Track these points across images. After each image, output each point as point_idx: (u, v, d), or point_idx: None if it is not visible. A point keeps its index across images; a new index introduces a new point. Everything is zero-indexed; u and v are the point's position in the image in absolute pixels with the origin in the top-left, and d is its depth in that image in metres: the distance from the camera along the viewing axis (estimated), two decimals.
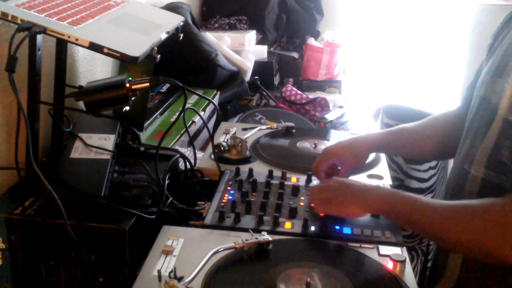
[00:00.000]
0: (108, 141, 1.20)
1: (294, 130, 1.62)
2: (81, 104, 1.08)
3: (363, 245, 1.03)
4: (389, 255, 0.98)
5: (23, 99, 1.00)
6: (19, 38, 0.96)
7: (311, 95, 2.29)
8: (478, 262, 1.08)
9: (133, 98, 1.07)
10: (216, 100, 1.85)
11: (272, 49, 2.66)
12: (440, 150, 1.33)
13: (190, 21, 1.98)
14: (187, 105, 1.48)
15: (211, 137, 1.44)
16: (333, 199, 1.10)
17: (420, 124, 1.34)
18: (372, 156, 1.44)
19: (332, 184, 1.13)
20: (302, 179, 1.30)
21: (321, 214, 1.12)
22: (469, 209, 0.97)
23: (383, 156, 1.48)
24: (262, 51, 2.45)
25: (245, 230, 1.05)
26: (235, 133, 1.57)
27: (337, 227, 1.09)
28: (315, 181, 1.29)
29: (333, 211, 1.10)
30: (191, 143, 1.44)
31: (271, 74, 2.42)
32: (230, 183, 1.27)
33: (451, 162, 2.52)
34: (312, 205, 1.14)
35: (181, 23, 1.35)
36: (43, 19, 1.03)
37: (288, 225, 1.10)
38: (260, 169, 1.34)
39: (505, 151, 1.00)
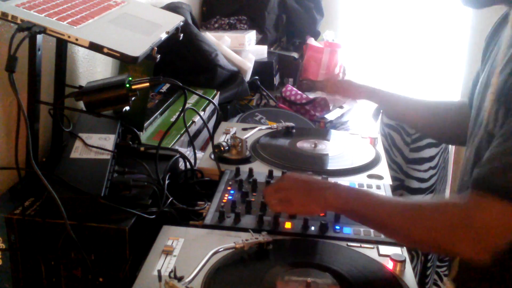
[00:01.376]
0: (108, 141, 1.20)
1: (294, 130, 1.62)
2: (81, 104, 1.08)
3: (363, 245, 1.03)
4: (389, 255, 0.98)
5: (23, 99, 1.00)
6: (19, 38, 0.96)
7: (311, 95, 2.28)
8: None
9: (133, 98, 1.07)
10: (216, 100, 1.85)
11: (272, 49, 2.65)
12: (435, 132, 1.44)
13: (190, 21, 1.98)
14: (187, 105, 1.48)
15: (211, 137, 1.44)
16: (291, 199, 1.07)
17: (431, 102, 1.43)
18: (372, 156, 1.44)
19: (288, 183, 1.10)
20: None
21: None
22: (423, 207, 0.97)
23: (383, 156, 1.48)
24: (262, 51, 2.45)
25: (245, 230, 1.05)
26: (235, 133, 1.57)
27: (337, 227, 1.09)
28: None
29: (293, 211, 1.09)
30: (191, 143, 1.44)
31: (271, 74, 2.42)
32: (230, 183, 1.27)
33: (451, 162, 2.52)
34: (270, 206, 1.11)
35: (181, 23, 1.35)
36: (43, 19, 1.03)
37: (288, 225, 1.10)
38: (260, 169, 1.34)
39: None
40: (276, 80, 2.49)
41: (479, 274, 1.09)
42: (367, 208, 1.00)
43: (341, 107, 2.24)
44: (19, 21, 1.00)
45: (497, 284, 1.05)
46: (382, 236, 1.07)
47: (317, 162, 1.43)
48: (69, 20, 1.07)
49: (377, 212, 0.99)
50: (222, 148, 1.40)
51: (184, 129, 1.45)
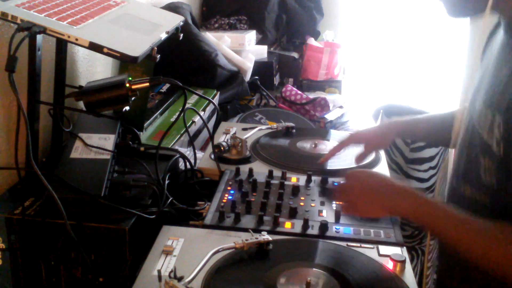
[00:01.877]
0: (108, 141, 1.20)
1: (294, 130, 1.62)
2: (81, 104, 1.08)
3: (363, 245, 1.03)
4: (389, 255, 0.98)
5: (23, 99, 1.00)
6: (19, 38, 0.96)
7: (311, 95, 2.29)
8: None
9: (133, 98, 1.07)
10: (216, 100, 1.85)
11: (272, 49, 2.65)
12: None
13: (190, 21, 1.98)
14: (187, 105, 1.48)
15: (211, 137, 1.44)
16: (356, 202, 1.05)
17: (448, 114, 1.35)
18: (372, 156, 1.44)
19: (352, 184, 1.08)
20: (302, 179, 1.30)
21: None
22: (503, 232, 0.92)
23: (383, 156, 1.48)
24: (262, 51, 2.45)
25: (245, 230, 1.05)
26: (235, 133, 1.57)
27: (337, 227, 1.09)
28: (313, 182, 1.29)
29: (357, 214, 1.09)
30: (191, 143, 1.44)
31: (271, 74, 2.42)
32: (230, 183, 1.27)
33: (451, 163, 2.52)
34: (341, 205, 1.11)
35: (181, 23, 1.35)
36: (43, 19, 1.03)
37: (288, 225, 1.10)
38: (260, 169, 1.34)
39: (482, 169, 0.97)
40: (276, 80, 2.49)
41: (459, 275, 1.08)
42: (437, 223, 0.96)
43: (341, 107, 2.24)
44: (19, 21, 0.99)
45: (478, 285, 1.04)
46: (382, 236, 1.07)
47: (317, 162, 1.42)
48: (69, 20, 1.07)
49: (447, 229, 0.95)
50: (222, 148, 1.40)
51: (184, 129, 1.45)
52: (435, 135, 1.38)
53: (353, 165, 1.39)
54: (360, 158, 1.37)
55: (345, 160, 1.44)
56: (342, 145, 1.37)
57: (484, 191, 0.97)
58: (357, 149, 1.38)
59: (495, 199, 0.95)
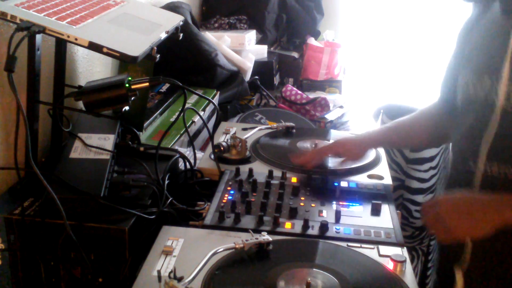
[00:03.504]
0: (107, 141, 1.19)
1: (294, 130, 1.62)
2: (80, 104, 1.08)
3: (363, 246, 1.03)
4: (390, 256, 0.98)
5: (22, 99, 1.00)
6: (18, 37, 0.96)
7: (311, 95, 2.28)
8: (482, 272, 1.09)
9: (132, 98, 1.06)
10: (216, 100, 1.84)
11: (272, 49, 2.65)
12: (433, 139, 1.42)
13: (190, 21, 1.98)
14: (187, 105, 1.48)
15: (211, 137, 1.44)
16: (452, 226, 1.00)
17: (413, 117, 1.41)
18: (372, 156, 1.44)
19: (445, 208, 1.03)
20: (302, 179, 1.30)
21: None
22: None
23: (383, 156, 1.48)
24: (262, 51, 2.45)
25: (245, 230, 1.04)
26: (235, 133, 1.57)
27: (337, 228, 1.09)
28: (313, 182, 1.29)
29: (457, 238, 1.04)
30: (191, 143, 1.44)
31: (271, 74, 2.42)
32: (230, 183, 1.27)
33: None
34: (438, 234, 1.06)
35: (181, 23, 1.35)
36: (42, 18, 1.03)
37: (288, 225, 1.10)
38: (260, 169, 1.34)
39: (510, 141, 1.01)
40: (276, 80, 2.49)
41: (491, 271, 1.09)
42: None
43: (341, 107, 2.24)
44: (18, 21, 0.99)
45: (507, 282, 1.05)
46: (383, 236, 1.07)
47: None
48: (69, 19, 1.07)
49: None
50: (222, 148, 1.40)
51: (184, 129, 1.45)
52: (408, 139, 1.43)
53: (353, 165, 1.39)
54: (340, 164, 1.40)
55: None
56: (321, 154, 1.40)
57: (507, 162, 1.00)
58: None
59: None
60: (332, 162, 1.41)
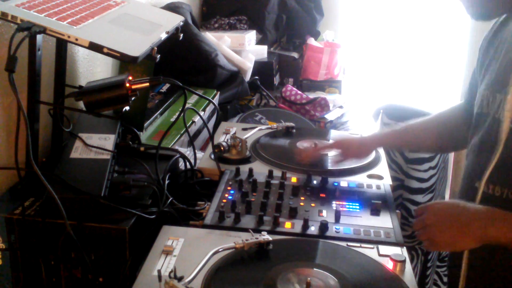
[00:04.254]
0: (108, 141, 1.20)
1: (294, 130, 1.62)
2: (81, 104, 1.08)
3: (363, 245, 1.03)
4: (389, 255, 0.98)
5: (23, 99, 1.00)
6: (19, 38, 0.96)
7: (311, 95, 2.29)
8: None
9: (133, 98, 1.07)
10: (216, 100, 1.85)
11: (272, 49, 2.66)
12: (444, 144, 1.39)
13: (190, 21, 1.98)
14: (187, 105, 1.48)
15: (211, 137, 1.44)
16: (436, 237, 1.01)
17: (424, 122, 1.38)
18: (372, 156, 1.44)
19: (431, 217, 1.03)
20: (302, 179, 1.30)
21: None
22: None
23: (383, 156, 1.48)
24: (262, 51, 2.45)
25: (245, 230, 1.05)
26: (235, 133, 1.57)
27: (337, 227, 1.09)
28: (315, 181, 1.29)
29: (440, 249, 1.05)
30: (191, 143, 1.44)
31: (271, 74, 2.42)
32: (230, 183, 1.27)
33: (451, 162, 2.52)
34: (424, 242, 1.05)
35: (181, 23, 1.35)
36: (43, 19, 1.03)
37: (288, 225, 1.10)
38: (260, 169, 1.34)
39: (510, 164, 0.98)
40: (276, 80, 2.49)
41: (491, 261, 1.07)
42: None
43: (341, 107, 2.24)
44: (19, 21, 1.00)
45: None
46: (382, 236, 1.07)
47: (317, 162, 1.42)
48: (69, 20, 1.07)
49: None
50: (222, 148, 1.40)
51: (184, 129, 1.45)
52: (416, 144, 1.42)
53: (353, 165, 1.39)
54: (337, 162, 1.40)
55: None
56: (325, 148, 1.42)
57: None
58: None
59: None
60: (332, 162, 1.41)
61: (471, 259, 1.12)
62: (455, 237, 1.00)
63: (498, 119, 1.04)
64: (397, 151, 2.03)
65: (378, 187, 1.29)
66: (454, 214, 1.02)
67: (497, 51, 1.11)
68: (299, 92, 2.26)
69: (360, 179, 1.34)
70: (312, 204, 1.19)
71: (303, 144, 1.53)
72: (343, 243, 1.04)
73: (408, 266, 0.97)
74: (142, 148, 1.31)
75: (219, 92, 1.90)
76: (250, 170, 1.31)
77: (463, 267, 1.13)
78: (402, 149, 1.95)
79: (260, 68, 2.33)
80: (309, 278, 0.89)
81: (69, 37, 1.01)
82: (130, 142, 1.31)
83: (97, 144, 1.17)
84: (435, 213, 1.04)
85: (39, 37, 1.05)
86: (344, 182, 1.30)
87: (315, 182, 1.29)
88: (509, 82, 1.03)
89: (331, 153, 1.46)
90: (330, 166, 1.40)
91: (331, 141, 1.47)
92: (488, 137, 1.07)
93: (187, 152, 1.43)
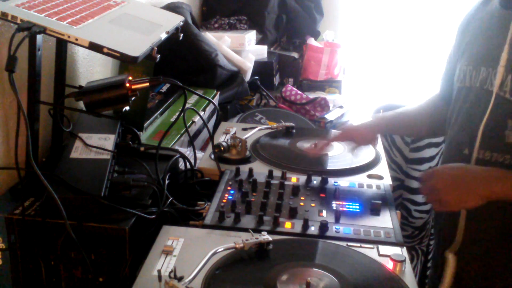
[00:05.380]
0: (108, 141, 1.20)
1: (294, 130, 1.62)
2: (81, 104, 1.08)
3: (363, 245, 1.03)
4: (389, 255, 0.98)
5: (23, 99, 1.00)
6: (19, 38, 0.96)
7: (311, 95, 2.29)
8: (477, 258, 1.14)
9: (133, 98, 1.07)
10: (216, 100, 1.85)
11: (272, 49, 2.66)
12: (431, 130, 1.46)
13: (190, 21, 1.98)
14: (187, 105, 1.48)
15: (211, 137, 1.44)
16: (447, 200, 1.07)
17: (416, 108, 1.46)
18: (372, 156, 1.45)
19: (439, 181, 1.09)
20: (302, 179, 1.30)
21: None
22: None
23: (383, 156, 1.48)
24: (262, 51, 2.45)
25: (245, 230, 1.05)
26: (235, 133, 1.57)
27: (337, 227, 1.09)
28: (314, 181, 1.29)
29: (452, 209, 1.12)
30: (191, 143, 1.44)
31: (271, 74, 2.42)
32: (230, 183, 1.27)
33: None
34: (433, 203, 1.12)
35: (181, 23, 1.36)
36: (43, 19, 1.03)
37: (288, 225, 1.10)
38: (260, 169, 1.34)
39: (507, 131, 1.05)
40: (276, 80, 2.49)
41: (483, 249, 1.14)
42: None
43: (341, 107, 2.24)
44: (19, 21, 1.00)
45: (500, 262, 1.10)
46: (382, 236, 1.07)
47: (317, 162, 1.43)
48: (69, 20, 1.07)
49: None
50: (222, 148, 1.40)
51: (184, 129, 1.45)
52: (414, 127, 1.47)
53: (353, 165, 1.39)
54: (353, 149, 1.44)
55: (344, 160, 1.44)
56: (335, 139, 1.45)
57: (508, 151, 1.05)
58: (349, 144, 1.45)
59: None
60: (332, 162, 1.41)
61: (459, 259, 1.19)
62: (462, 196, 1.06)
63: (486, 89, 1.11)
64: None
65: (378, 187, 1.29)
66: (460, 175, 1.08)
67: (477, 29, 1.18)
68: (299, 92, 2.26)
69: (360, 179, 1.34)
70: (312, 204, 1.19)
71: (303, 144, 1.53)
72: (343, 243, 1.04)
73: (408, 266, 0.97)
74: (142, 148, 1.31)
75: (219, 92, 1.90)
76: (250, 170, 1.31)
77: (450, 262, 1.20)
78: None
79: (260, 68, 2.33)
80: (309, 278, 0.89)
81: (69, 37, 1.01)
82: (130, 142, 1.31)
83: (97, 144, 1.17)
84: (442, 177, 1.10)
85: (39, 37, 1.05)
86: (344, 182, 1.30)
87: (315, 182, 1.29)
88: (500, 56, 1.09)
89: (331, 153, 1.46)
90: (330, 166, 1.40)
91: (338, 132, 1.51)
92: (476, 108, 1.13)
93: (187, 152, 1.43)
